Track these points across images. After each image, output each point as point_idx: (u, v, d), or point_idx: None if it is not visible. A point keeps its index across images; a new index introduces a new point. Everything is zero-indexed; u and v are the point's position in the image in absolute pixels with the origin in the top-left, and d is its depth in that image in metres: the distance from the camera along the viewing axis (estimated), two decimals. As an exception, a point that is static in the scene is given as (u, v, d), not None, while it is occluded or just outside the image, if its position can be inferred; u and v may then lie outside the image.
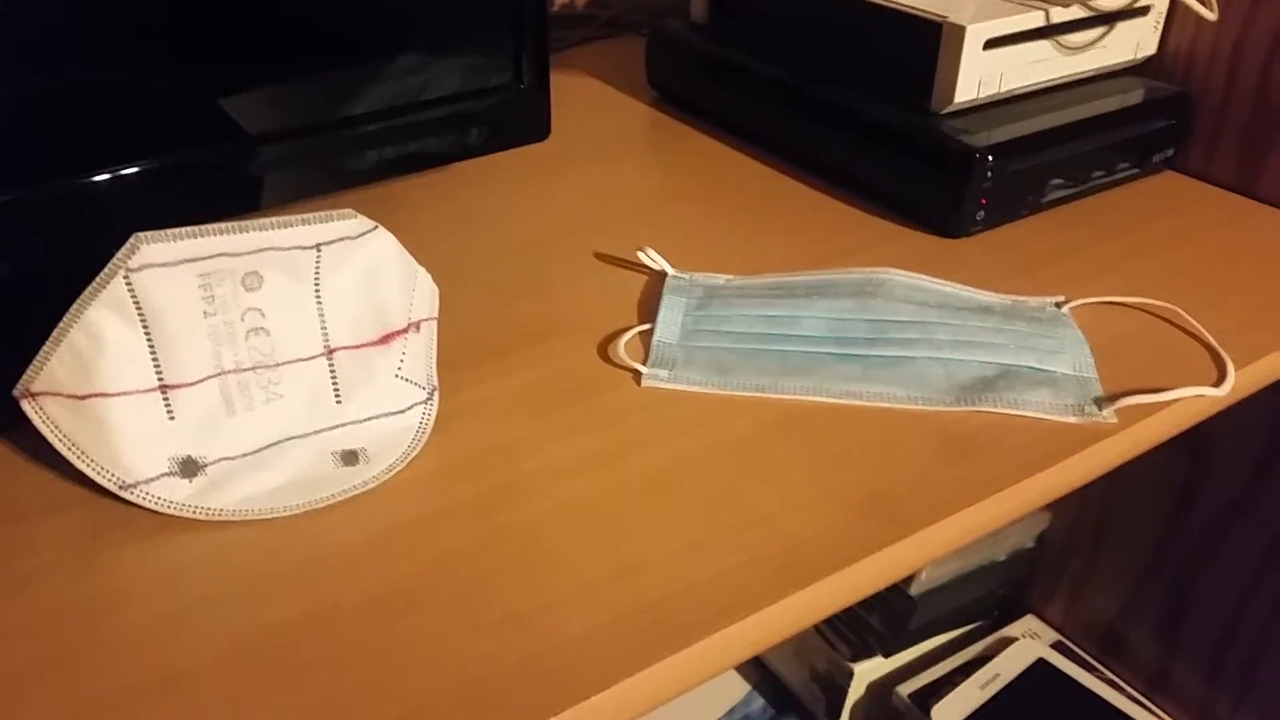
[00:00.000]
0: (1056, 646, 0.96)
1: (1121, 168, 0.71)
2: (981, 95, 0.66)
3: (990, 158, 0.62)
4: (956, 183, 0.63)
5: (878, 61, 0.69)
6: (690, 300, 0.57)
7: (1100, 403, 0.50)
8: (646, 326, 0.55)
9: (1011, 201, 0.65)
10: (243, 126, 0.58)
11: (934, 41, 0.64)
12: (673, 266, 0.61)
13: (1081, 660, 0.95)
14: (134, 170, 0.50)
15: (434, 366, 0.50)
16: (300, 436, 0.45)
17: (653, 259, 0.60)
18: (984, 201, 0.64)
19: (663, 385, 0.51)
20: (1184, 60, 0.72)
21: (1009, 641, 0.95)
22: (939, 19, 0.64)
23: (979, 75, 0.65)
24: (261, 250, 0.43)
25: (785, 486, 0.45)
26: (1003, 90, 0.67)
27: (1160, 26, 0.72)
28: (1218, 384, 0.52)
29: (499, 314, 0.57)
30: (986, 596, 0.99)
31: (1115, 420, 0.49)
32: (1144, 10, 0.70)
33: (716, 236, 0.65)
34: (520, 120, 0.66)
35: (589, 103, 0.86)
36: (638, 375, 0.52)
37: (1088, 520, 0.94)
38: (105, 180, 0.49)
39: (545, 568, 0.41)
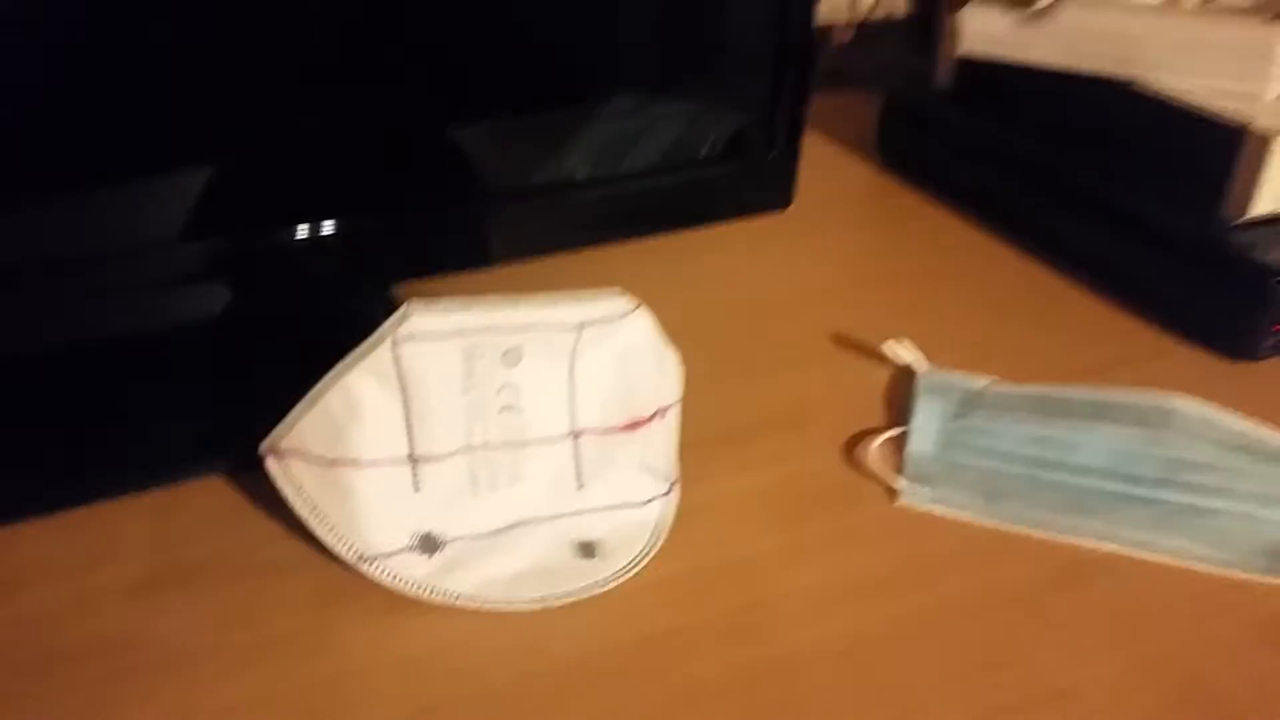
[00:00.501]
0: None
1: None
2: (1277, 207, 0.59)
3: (1289, 280, 0.55)
4: (1249, 305, 0.56)
5: (1162, 159, 0.63)
6: (948, 405, 0.52)
7: None
8: (898, 431, 0.50)
9: (1305, 328, 0.58)
10: (478, 182, 0.56)
11: (1234, 146, 0.58)
12: (925, 360, 0.56)
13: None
14: (363, 222, 0.48)
15: (675, 456, 0.46)
16: (539, 521, 0.42)
17: (902, 353, 0.56)
18: (1275, 327, 0.57)
19: (922, 506, 0.46)
20: None
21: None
22: (1242, 123, 0.57)
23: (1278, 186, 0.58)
24: (526, 327, 0.40)
25: (1081, 654, 0.39)
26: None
27: None
28: None
29: (729, 395, 0.53)
30: None
31: None
32: None
33: (963, 329, 0.60)
34: (764, 188, 0.62)
35: (811, 163, 0.82)
36: (891, 489, 0.47)
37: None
38: (339, 231, 0.47)
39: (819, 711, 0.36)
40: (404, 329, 0.38)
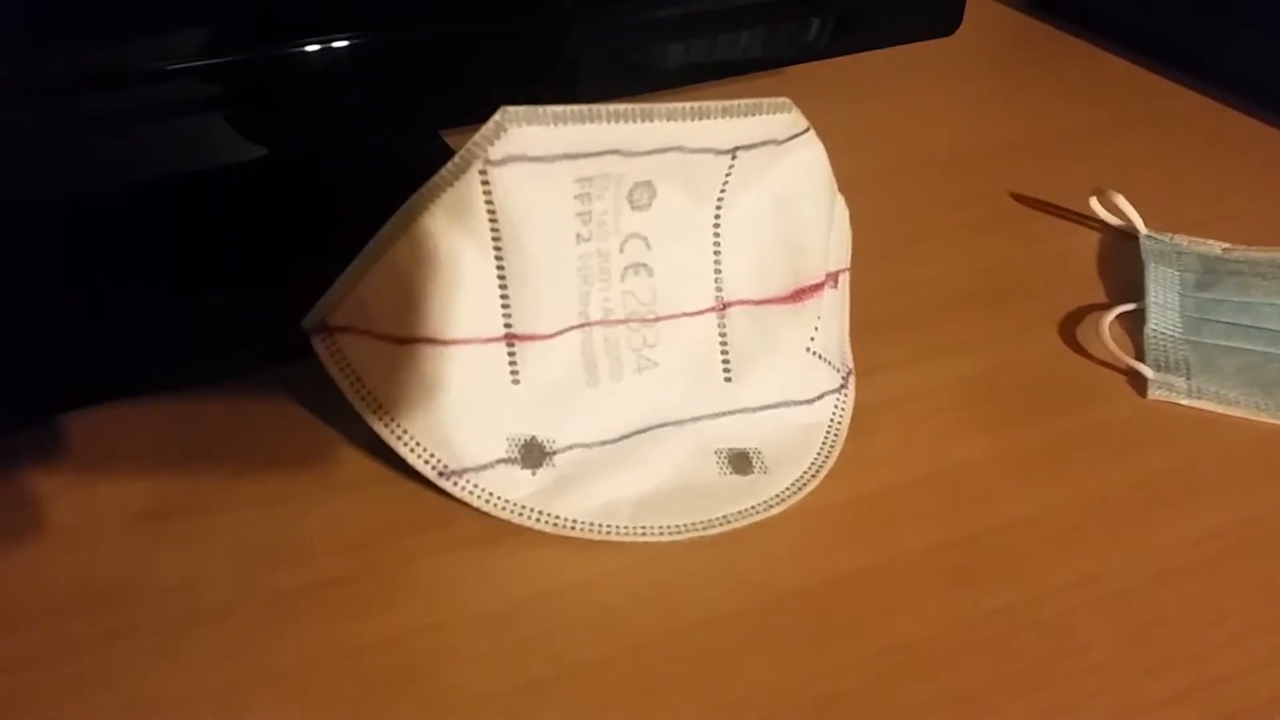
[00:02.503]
0: None
1: None
2: None
3: None
4: None
5: None
6: (1185, 275, 0.41)
7: None
8: (1130, 307, 0.39)
9: None
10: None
11: None
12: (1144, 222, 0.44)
13: None
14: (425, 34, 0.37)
15: (847, 339, 0.36)
16: (677, 423, 0.32)
17: (1116, 209, 0.44)
18: None
19: (1181, 400, 0.35)
20: None
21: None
22: None
23: None
24: (664, 150, 0.29)
25: None
26: None
27: None
28: None
29: (904, 265, 0.42)
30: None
31: None
32: None
33: (1172, 187, 0.48)
34: (925, 4, 0.49)
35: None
36: (1137, 380, 0.36)
37: None
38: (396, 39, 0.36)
39: (1084, 692, 0.26)
40: (498, 146, 0.27)
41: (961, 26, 0.65)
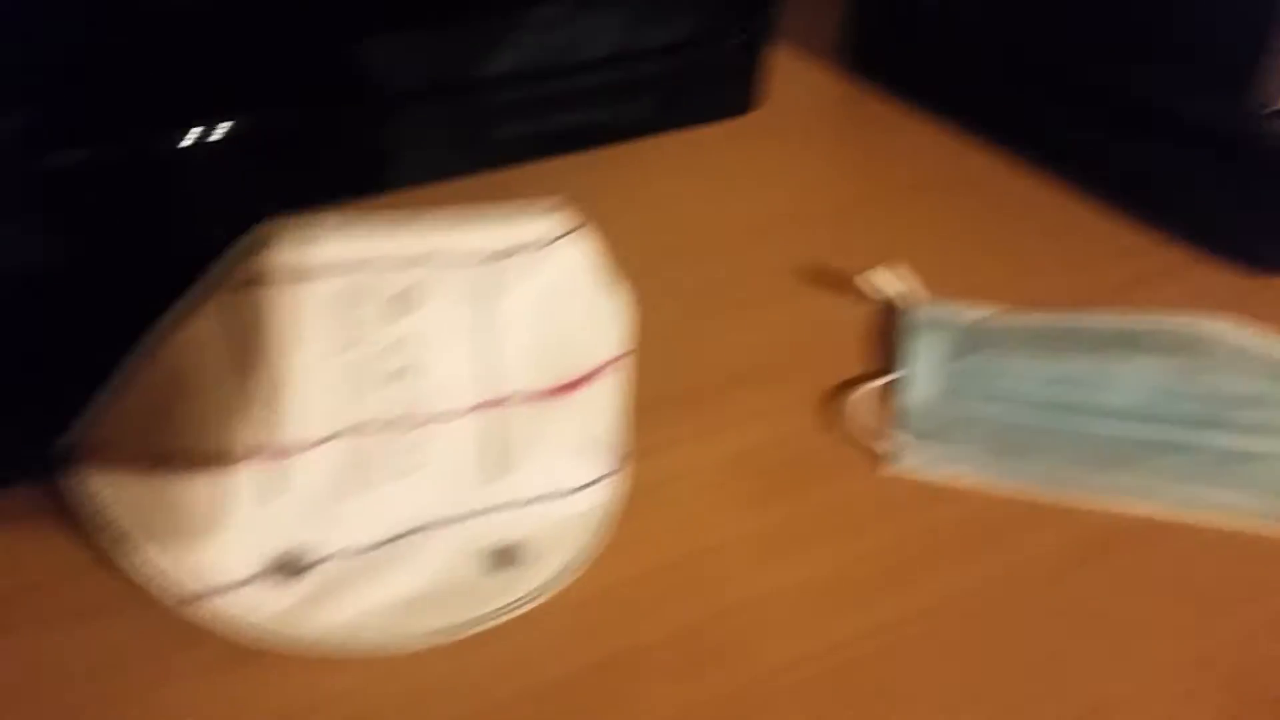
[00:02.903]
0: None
1: None
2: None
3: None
4: (1285, 205, 0.49)
5: (1185, 43, 0.54)
6: (946, 344, 0.44)
7: None
8: (889, 379, 0.43)
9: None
10: (367, 82, 0.47)
11: (1269, 19, 0.50)
12: (914, 292, 0.48)
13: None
14: (223, 131, 0.39)
15: (624, 423, 0.38)
16: (441, 524, 0.34)
17: (887, 283, 0.47)
18: (1320, 229, 0.49)
19: (922, 472, 0.38)
20: None
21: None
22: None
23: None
24: (426, 258, 0.32)
25: (1122, 657, 0.32)
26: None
27: None
28: None
29: (686, 345, 0.45)
30: None
31: None
32: None
33: (957, 253, 0.51)
34: (724, 86, 0.53)
35: (781, 68, 0.73)
36: (884, 451, 0.39)
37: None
38: (188, 144, 0.38)
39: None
40: (258, 260, 0.29)
41: (786, 92, 0.69)
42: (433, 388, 0.33)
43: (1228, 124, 0.51)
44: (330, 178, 0.47)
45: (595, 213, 0.52)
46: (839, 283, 0.49)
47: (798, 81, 0.71)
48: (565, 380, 0.35)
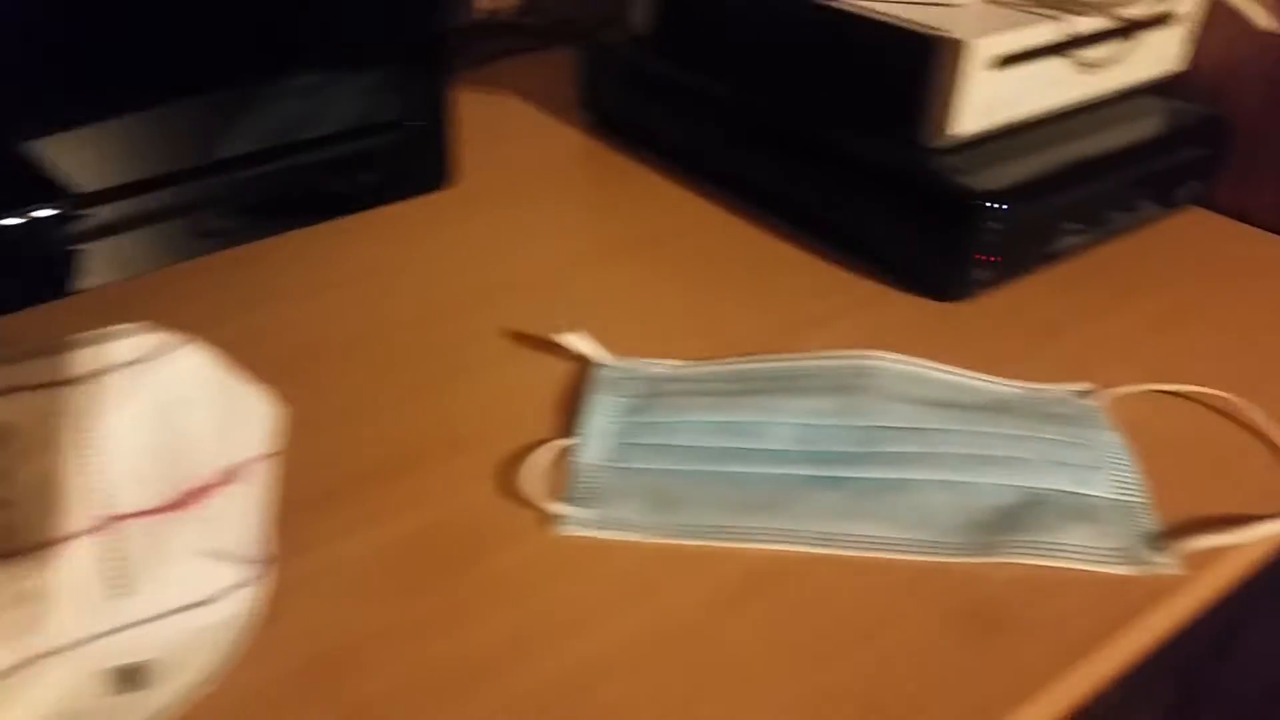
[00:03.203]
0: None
1: (1143, 206, 0.60)
2: (983, 126, 0.55)
3: (995, 204, 0.51)
4: (955, 235, 0.52)
5: (857, 84, 0.58)
6: (625, 400, 0.46)
7: (1157, 543, 0.39)
8: (568, 442, 0.44)
9: (1020, 255, 0.55)
10: (51, 180, 0.46)
11: (925, 60, 0.53)
12: (607, 350, 0.49)
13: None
14: None
15: (265, 528, 0.38)
16: (69, 647, 0.33)
17: (577, 344, 0.49)
18: (988, 258, 0.53)
19: (588, 532, 0.40)
20: (1217, 76, 0.62)
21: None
22: (931, 32, 0.53)
23: (980, 102, 0.54)
24: (13, 390, 0.32)
25: (751, 698, 0.33)
26: (1008, 119, 0.56)
27: (1192, 35, 0.62)
28: (1304, 508, 0.41)
29: (375, 426, 0.45)
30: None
31: (1178, 569, 0.38)
32: (1171, 18, 0.60)
33: (665, 306, 0.54)
34: (412, 165, 0.54)
35: (512, 129, 0.75)
36: (554, 515, 0.40)
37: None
38: None
39: None
40: None
41: (532, 150, 0.71)
42: (37, 513, 0.33)
43: (899, 162, 0.55)
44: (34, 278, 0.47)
45: (300, 288, 0.54)
46: (541, 348, 0.50)
47: (537, 144, 0.73)
48: (186, 491, 0.35)
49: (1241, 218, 0.63)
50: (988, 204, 0.51)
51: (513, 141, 0.73)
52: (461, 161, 0.68)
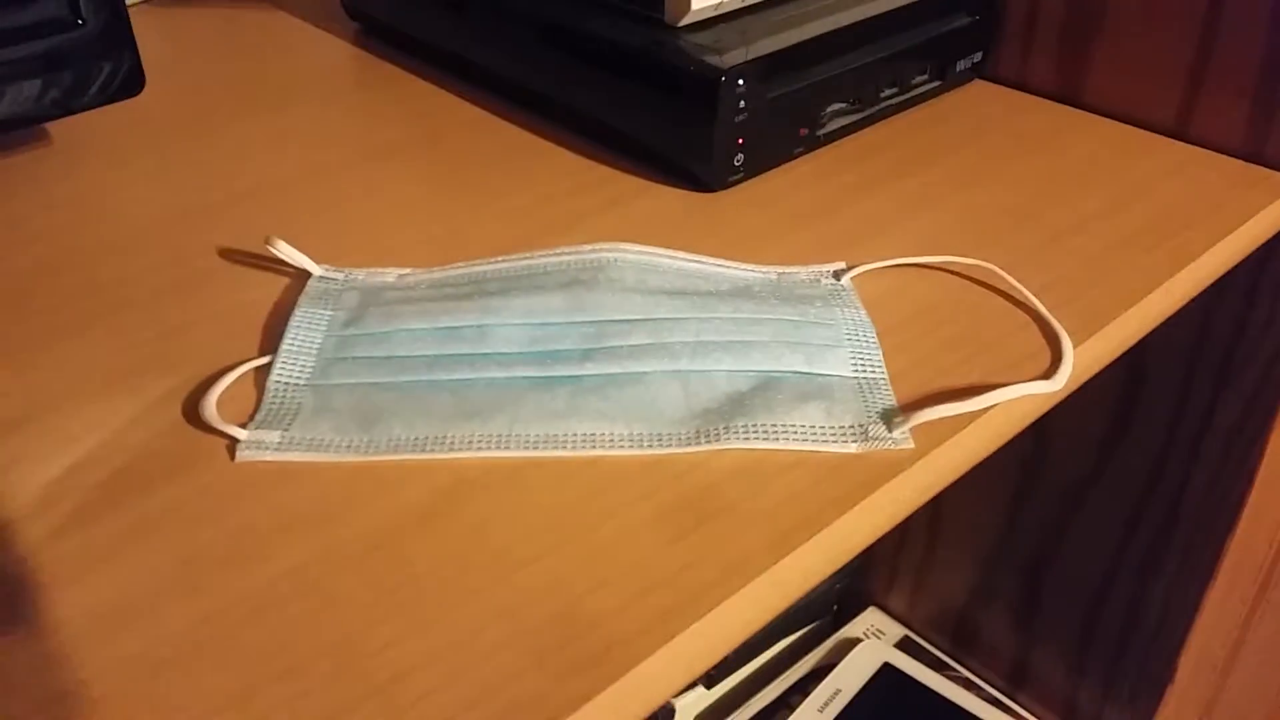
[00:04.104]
0: (903, 644, 0.86)
1: (918, 82, 0.58)
2: (725, 0, 0.52)
3: (741, 80, 0.48)
4: (701, 116, 0.49)
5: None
6: (338, 313, 0.42)
7: (891, 418, 0.37)
8: (263, 360, 0.40)
9: (780, 137, 0.52)
10: None
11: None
12: (334, 262, 0.45)
13: (933, 659, 0.85)
14: None
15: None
16: None
17: (286, 253, 0.45)
18: (740, 141, 0.50)
19: (271, 456, 0.36)
20: (985, -59, 0.60)
21: (850, 644, 0.84)
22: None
23: (725, -27, 0.51)
24: None
25: (428, 616, 0.30)
26: (759, -8, 0.53)
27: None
28: (1050, 372, 0.40)
29: (66, 355, 0.41)
30: (818, 593, 0.88)
31: (912, 444, 0.36)
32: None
33: (408, 213, 0.50)
34: (88, 68, 0.49)
35: (267, 39, 0.69)
36: (242, 440, 0.36)
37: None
38: None
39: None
40: None
41: (297, 60, 0.65)
42: None
43: (640, 41, 0.51)
44: None
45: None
46: (260, 264, 0.46)
47: (305, 47, 0.68)
48: None
49: (1024, 89, 0.61)
50: (733, 80, 0.48)
51: (263, 51, 0.67)
52: (198, 71, 0.63)
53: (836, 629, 0.87)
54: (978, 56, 0.60)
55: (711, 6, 0.51)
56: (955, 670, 0.84)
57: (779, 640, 0.88)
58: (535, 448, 0.36)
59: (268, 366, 0.39)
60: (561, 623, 0.30)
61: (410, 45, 0.66)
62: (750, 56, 0.49)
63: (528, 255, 0.45)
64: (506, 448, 0.36)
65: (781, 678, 0.83)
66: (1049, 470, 0.74)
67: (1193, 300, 0.48)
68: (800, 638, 0.89)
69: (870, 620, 0.88)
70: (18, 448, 0.36)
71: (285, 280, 0.45)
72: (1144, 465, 0.67)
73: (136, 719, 0.27)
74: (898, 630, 0.87)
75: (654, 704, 0.29)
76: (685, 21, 0.51)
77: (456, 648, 0.29)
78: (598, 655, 0.29)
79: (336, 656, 0.29)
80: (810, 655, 0.84)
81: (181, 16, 0.74)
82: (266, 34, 0.70)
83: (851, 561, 0.88)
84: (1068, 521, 0.74)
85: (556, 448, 0.36)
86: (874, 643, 0.84)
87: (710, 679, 0.82)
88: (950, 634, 0.86)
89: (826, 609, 0.91)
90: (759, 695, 0.82)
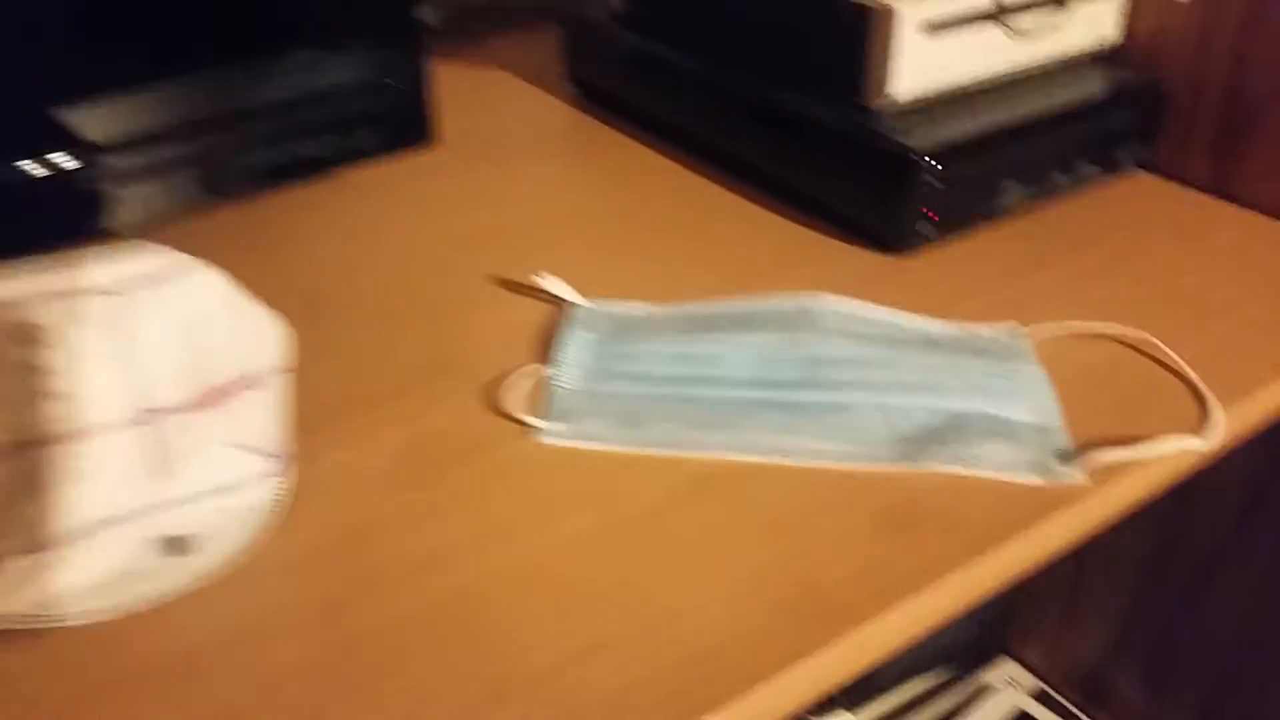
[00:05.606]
0: (1038, 695, 0.92)
1: (1085, 169, 0.66)
2: (920, 89, 0.61)
3: (933, 161, 0.57)
4: (896, 191, 0.58)
5: (808, 52, 0.64)
6: (600, 336, 0.52)
7: (1067, 458, 0.45)
8: (545, 367, 0.50)
9: (961, 211, 0.61)
10: (75, 133, 0.52)
11: (861, 27, 0.59)
12: (582, 293, 0.55)
13: (1065, 711, 0.90)
14: None
15: (284, 429, 0.44)
16: (118, 520, 0.39)
17: (553, 285, 0.55)
18: (928, 213, 0.59)
19: (561, 442, 0.46)
20: (1152, 47, 0.68)
21: (986, 690, 0.90)
22: (867, 3, 0.59)
23: (915, 66, 0.60)
24: (51, 295, 0.38)
25: (696, 574, 0.39)
26: (945, 84, 0.62)
27: (1125, 8, 0.68)
28: (1200, 429, 0.47)
29: (374, 355, 0.51)
30: (959, 639, 0.94)
31: (1086, 480, 0.44)
32: (1108, -8, 0.66)
33: (635, 257, 0.60)
34: (397, 124, 0.60)
35: (503, 101, 0.81)
36: (532, 430, 0.46)
37: (1066, 555, 0.90)
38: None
39: (395, 690, 0.35)
40: None
41: (521, 120, 0.77)
42: (86, 404, 0.39)
43: (844, 123, 0.61)
44: (41, 226, 0.53)
45: (309, 239, 0.60)
46: (524, 292, 0.56)
47: (529, 109, 0.79)
48: (211, 391, 0.41)
49: (1181, 182, 0.69)
50: (925, 160, 0.57)
51: (503, 113, 0.79)
52: (450, 127, 0.74)
53: (971, 676, 0.93)
54: (1140, 150, 0.68)
55: (905, 96, 0.60)
56: (1085, 723, 0.89)
57: (916, 677, 0.94)
58: (763, 456, 0.45)
59: (545, 373, 0.49)
60: (803, 585, 0.39)
61: (626, 110, 0.77)
62: (939, 141, 0.58)
63: (744, 299, 0.54)
64: (739, 452, 0.45)
65: (918, 712, 0.89)
66: (1187, 535, 0.79)
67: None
68: (933, 681, 0.96)
69: (1006, 671, 0.94)
70: (340, 433, 0.47)
71: (543, 305, 0.55)
72: (1276, 539, 0.73)
73: (433, 659, 0.37)
74: (1032, 681, 0.93)
75: (875, 656, 0.38)
76: (882, 107, 0.61)
77: (727, 594, 0.38)
78: (838, 610, 0.37)
79: (639, 607, 0.38)
80: (946, 697, 0.91)
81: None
82: (497, 93, 0.82)
83: (987, 611, 0.94)
84: (1201, 587, 0.80)
85: (780, 457, 0.45)
86: (1010, 690, 0.90)
87: (852, 702, 0.89)
88: (1082, 689, 0.91)
89: (962, 656, 0.97)
90: (895, 727, 0.89)
